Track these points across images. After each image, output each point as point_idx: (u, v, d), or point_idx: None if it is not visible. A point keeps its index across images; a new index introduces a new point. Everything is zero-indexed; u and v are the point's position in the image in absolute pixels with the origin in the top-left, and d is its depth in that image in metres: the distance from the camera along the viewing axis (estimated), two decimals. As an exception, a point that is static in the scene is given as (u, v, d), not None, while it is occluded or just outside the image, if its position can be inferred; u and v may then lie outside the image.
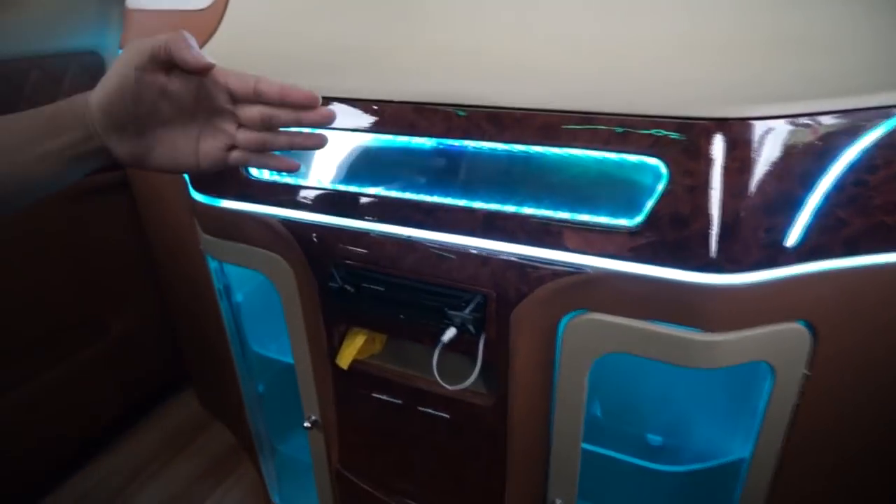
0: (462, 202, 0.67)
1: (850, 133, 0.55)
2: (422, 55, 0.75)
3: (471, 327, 0.68)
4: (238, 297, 1.00)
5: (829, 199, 0.56)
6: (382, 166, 0.73)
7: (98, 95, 0.49)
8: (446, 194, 0.68)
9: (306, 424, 0.91)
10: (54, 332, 1.27)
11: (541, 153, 0.63)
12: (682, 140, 0.56)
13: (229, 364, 1.06)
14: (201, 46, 0.95)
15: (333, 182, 0.75)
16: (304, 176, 0.77)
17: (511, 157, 0.66)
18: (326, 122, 0.53)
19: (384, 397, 0.82)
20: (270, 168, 0.56)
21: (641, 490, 0.79)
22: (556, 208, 0.63)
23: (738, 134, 0.54)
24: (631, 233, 0.59)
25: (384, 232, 0.72)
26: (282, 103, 0.51)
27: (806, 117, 0.55)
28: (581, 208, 0.62)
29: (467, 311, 0.68)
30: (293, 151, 0.60)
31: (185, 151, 0.53)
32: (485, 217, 0.66)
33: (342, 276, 0.74)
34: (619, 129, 0.58)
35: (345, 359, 0.80)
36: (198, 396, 1.58)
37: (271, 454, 1.14)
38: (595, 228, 0.61)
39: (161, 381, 1.58)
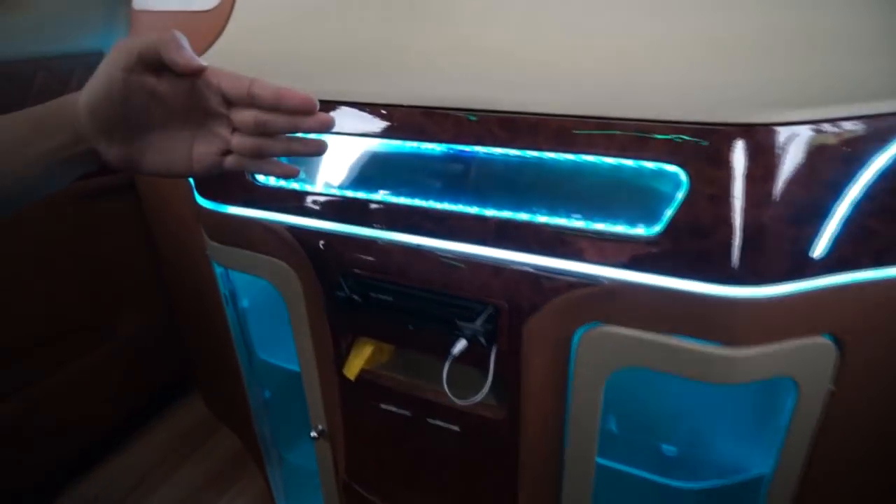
0: (473, 210, 0.65)
1: (880, 138, 0.53)
2: (432, 58, 0.73)
3: (482, 339, 0.66)
4: (244, 302, 0.98)
5: (857, 207, 0.54)
6: (391, 172, 0.71)
7: (85, 97, 0.47)
8: (457, 202, 0.66)
9: (313, 434, 0.90)
10: (61, 334, 1.27)
11: (555, 159, 0.61)
12: (704, 146, 0.54)
13: (235, 369, 1.05)
14: (208, 47, 0.94)
15: (341, 188, 0.73)
16: (311, 182, 0.75)
17: (524, 164, 0.63)
18: (324, 128, 0.50)
19: (392, 408, 0.80)
20: (268, 174, 0.54)
21: (658, 506, 0.76)
22: (570, 217, 0.61)
23: (763, 140, 0.52)
24: (649, 243, 0.57)
25: (393, 240, 0.70)
26: (277, 107, 0.49)
27: (833, 122, 0.52)
28: (597, 217, 0.60)
29: (478, 322, 0.66)
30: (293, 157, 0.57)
31: (179, 156, 0.51)
32: (497, 225, 0.64)
33: (349, 285, 0.72)
34: (637, 135, 0.56)
35: (352, 369, 0.78)
36: (204, 400, 1.56)
37: (278, 462, 1.13)
38: (611, 238, 0.59)
39: (168, 383, 1.58)
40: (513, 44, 0.71)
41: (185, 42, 0.46)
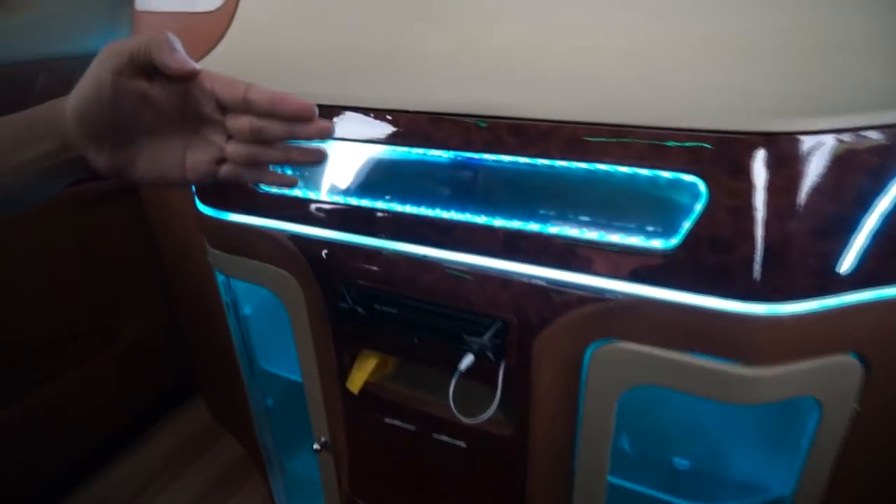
0: (481, 220, 0.63)
1: (912, 148, 0.50)
2: (439, 61, 0.71)
3: (490, 354, 0.64)
4: (246, 310, 0.96)
5: (888, 220, 0.51)
6: (397, 180, 0.69)
7: (73, 102, 0.44)
8: (465, 211, 0.64)
9: (316, 447, 0.87)
10: (64, 338, 1.26)
11: (567, 168, 0.59)
12: (724, 156, 0.51)
13: (237, 375, 1.03)
14: (211, 49, 0.92)
15: (344, 196, 0.71)
16: (314, 189, 0.73)
17: (535, 173, 0.61)
18: (323, 135, 0.47)
19: (397, 422, 0.77)
20: (265, 183, 0.52)
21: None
22: (583, 228, 0.59)
23: (787, 150, 0.50)
24: (665, 256, 0.55)
25: (398, 250, 0.67)
26: (273, 114, 0.46)
27: (861, 131, 0.50)
28: (610, 228, 0.58)
29: (486, 337, 0.63)
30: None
31: (171, 164, 0.49)
32: (506, 236, 0.61)
33: (353, 296, 0.70)
34: (654, 143, 0.53)
35: (355, 383, 0.76)
36: (207, 405, 1.55)
37: (281, 472, 1.11)
38: (626, 251, 0.57)
39: (171, 388, 1.57)
40: (523, 47, 0.69)
41: (178, 44, 0.43)
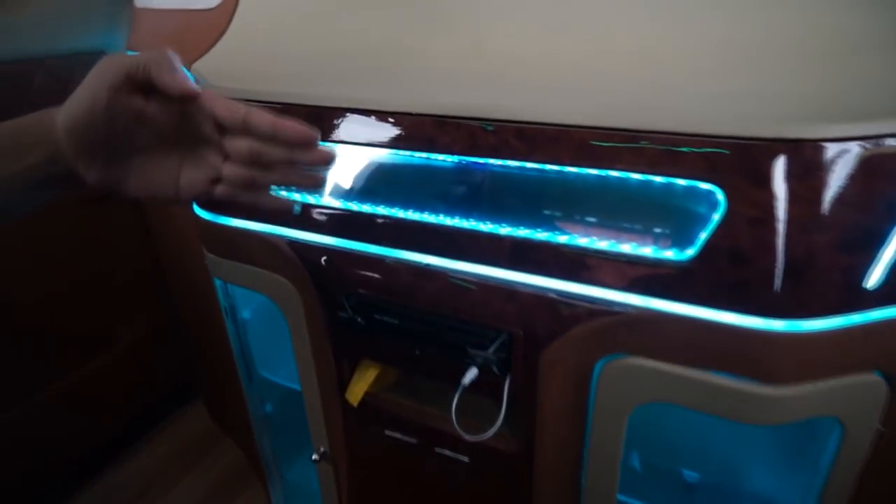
0: (487, 228, 0.60)
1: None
2: (445, 63, 0.69)
3: (494, 368, 0.62)
4: (245, 314, 0.94)
5: (918, 233, 0.48)
6: (399, 185, 0.66)
7: (65, 115, 0.42)
8: (469, 218, 0.61)
9: (315, 457, 0.85)
10: (63, 341, 1.25)
11: (577, 174, 0.56)
12: (744, 163, 0.49)
13: (236, 380, 1.01)
14: (210, 47, 0.90)
15: (345, 201, 0.68)
16: (314, 194, 0.70)
17: (543, 179, 0.58)
18: (324, 162, 0.47)
19: (398, 435, 0.75)
20: (261, 206, 0.50)
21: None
22: (593, 238, 0.56)
23: (811, 158, 0.47)
24: (680, 268, 0.52)
25: (400, 258, 0.65)
26: (274, 139, 0.45)
27: (890, 138, 0.47)
28: (622, 238, 0.55)
29: (491, 350, 0.61)
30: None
31: (165, 182, 0.47)
32: (512, 246, 0.59)
33: (353, 305, 0.68)
34: (668, 149, 0.51)
35: (355, 394, 0.73)
36: (207, 409, 1.54)
37: (280, 480, 1.09)
38: (638, 262, 0.54)
39: (171, 391, 1.56)
40: (531, 48, 0.67)
41: (178, 62, 0.42)
